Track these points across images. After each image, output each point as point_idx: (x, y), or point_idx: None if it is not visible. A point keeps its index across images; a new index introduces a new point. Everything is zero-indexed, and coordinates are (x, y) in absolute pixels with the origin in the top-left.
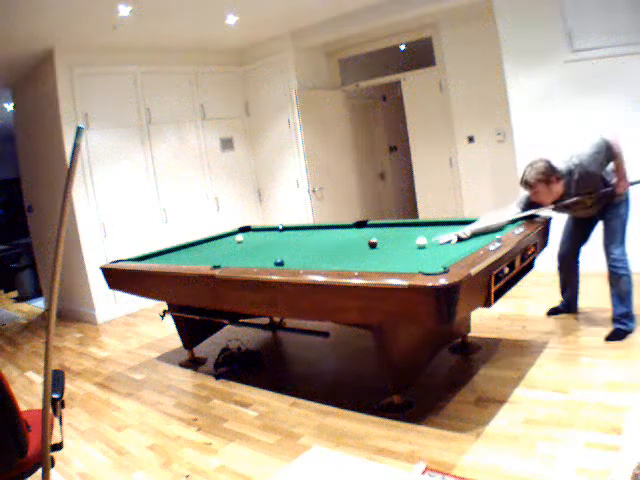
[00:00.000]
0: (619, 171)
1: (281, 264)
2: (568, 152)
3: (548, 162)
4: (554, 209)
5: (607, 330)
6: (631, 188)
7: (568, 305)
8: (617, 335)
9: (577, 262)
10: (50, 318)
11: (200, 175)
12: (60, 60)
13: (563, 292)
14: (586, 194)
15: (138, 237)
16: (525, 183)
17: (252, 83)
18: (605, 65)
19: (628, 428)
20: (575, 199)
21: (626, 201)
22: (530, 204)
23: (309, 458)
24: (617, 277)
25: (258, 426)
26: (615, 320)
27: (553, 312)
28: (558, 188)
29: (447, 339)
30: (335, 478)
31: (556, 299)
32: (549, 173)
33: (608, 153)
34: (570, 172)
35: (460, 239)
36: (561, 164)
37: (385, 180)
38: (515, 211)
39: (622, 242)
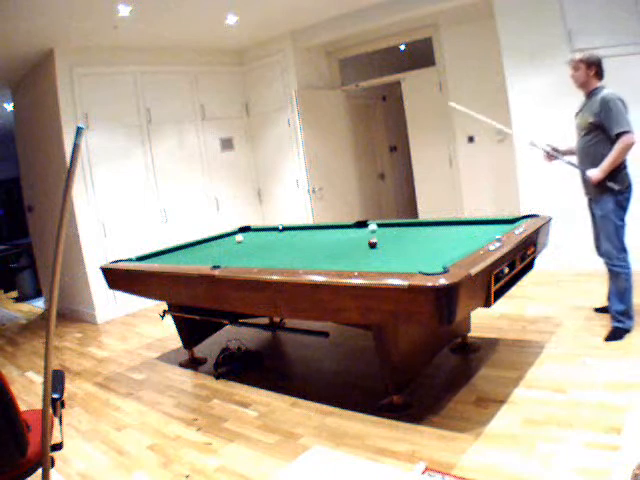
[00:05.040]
0: (606, 163)
1: (217, 267)
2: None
3: (601, 58)
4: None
5: (607, 330)
6: (614, 187)
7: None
8: (616, 334)
9: None
10: (50, 318)
11: (200, 175)
12: (60, 60)
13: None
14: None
15: (138, 237)
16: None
17: (252, 83)
18: (605, 65)
19: (628, 428)
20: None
21: (614, 198)
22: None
23: (309, 458)
24: (613, 274)
25: (258, 426)
26: (613, 317)
27: (601, 310)
28: (592, 79)
29: (447, 339)
30: (335, 478)
31: (556, 299)
32: (596, 62)
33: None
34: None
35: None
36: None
37: (385, 180)
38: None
39: (610, 238)
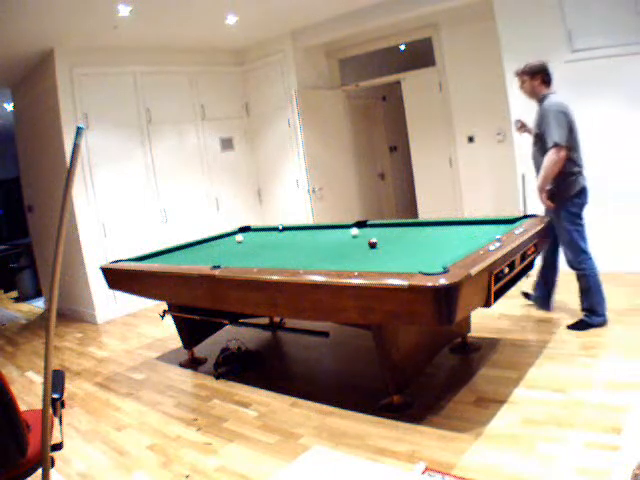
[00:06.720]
0: (538, 182)
1: (217, 267)
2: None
3: (545, 65)
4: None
5: (606, 331)
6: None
7: (540, 298)
8: (579, 325)
9: (554, 258)
10: (50, 318)
11: (200, 175)
12: (60, 60)
13: (537, 284)
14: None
15: (138, 237)
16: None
17: (252, 83)
18: (605, 65)
19: (628, 428)
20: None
21: (564, 209)
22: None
23: (309, 458)
24: (577, 275)
25: (258, 426)
26: (582, 311)
27: (525, 295)
28: (538, 87)
29: (447, 339)
30: (335, 478)
31: (556, 299)
32: (539, 70)
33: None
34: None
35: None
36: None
37: (385, 180)
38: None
39: (566, 245)
